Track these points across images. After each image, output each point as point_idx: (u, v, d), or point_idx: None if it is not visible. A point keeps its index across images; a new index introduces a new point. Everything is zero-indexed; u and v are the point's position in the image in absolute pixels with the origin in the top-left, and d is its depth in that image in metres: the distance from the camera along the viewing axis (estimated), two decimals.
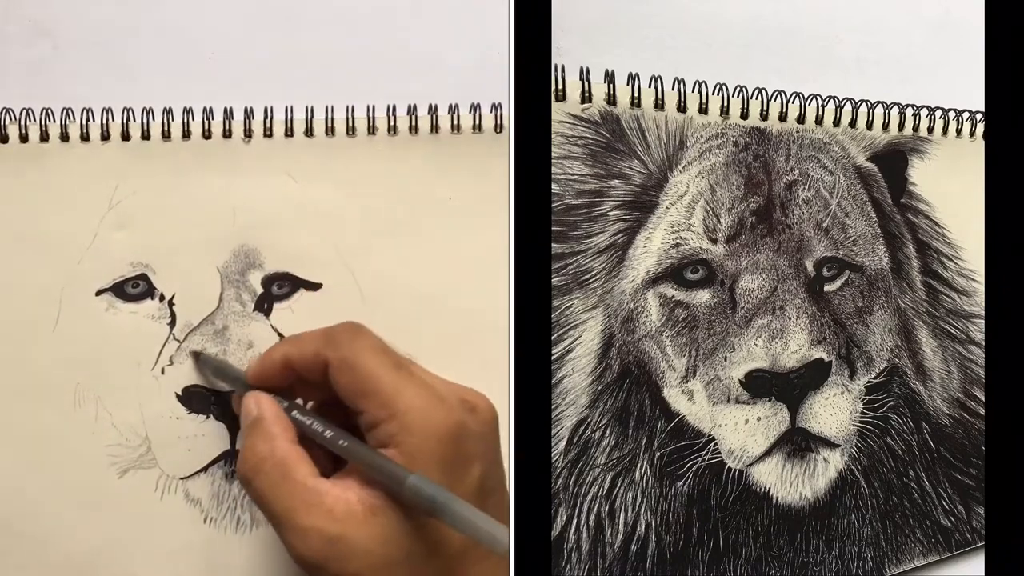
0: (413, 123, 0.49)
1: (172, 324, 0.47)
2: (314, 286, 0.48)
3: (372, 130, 0.49)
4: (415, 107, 0.49)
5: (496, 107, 0.49)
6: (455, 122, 0.49)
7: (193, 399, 0.47)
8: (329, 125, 0.48)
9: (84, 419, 0.46)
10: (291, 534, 0.38)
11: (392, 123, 0.49)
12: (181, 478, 0.47)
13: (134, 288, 0.47)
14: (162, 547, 0.46)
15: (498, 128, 0.49)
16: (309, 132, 0.48)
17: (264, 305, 0.47)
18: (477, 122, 0.49)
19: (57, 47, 0.48)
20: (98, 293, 0.47)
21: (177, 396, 0.47)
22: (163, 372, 0.47)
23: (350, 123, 0.48)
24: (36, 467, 0.46)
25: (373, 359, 0.39)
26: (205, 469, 0.47)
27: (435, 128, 0.49)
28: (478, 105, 0.49)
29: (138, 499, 0.46)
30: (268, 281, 0.48)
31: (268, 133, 0.48)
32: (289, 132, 0.48)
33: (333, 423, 0.40)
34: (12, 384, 0.46)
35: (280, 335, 0.47)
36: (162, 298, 0.47)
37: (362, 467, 0.38)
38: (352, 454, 0.39)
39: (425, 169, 0.49)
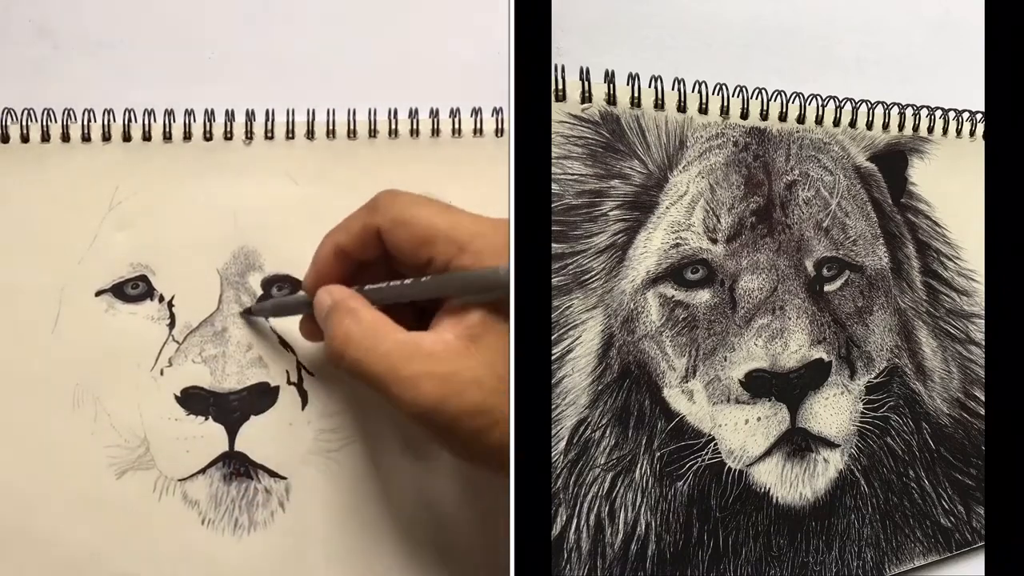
0: (414, 126, 0.49)
1: (171, 325, 0.47)
2: None
3: (373, 133, 0.49)
4: (416, 110, 0.49)
5: (497, 111, 0.49)
6: (456, 126, 0.49)
7: (192, 400, 0.47)
8: (330, 128, 0.48)
9: (83, 420, 0.46)
10: (400, 387, 0.38)
11: (393, 126, 0.49)
12: (179, 479, 0.47)
13: (134, 289, 0.47)
14: (160, 548, 0.46)
15: (499, 132, 0.49)
16: (310, 135, 0.48)
17: None
18: (478, 126, 0.49)
19: (58, 47, 0.48)
20: (98, 294, 0.47)
21: (176, 397, 0.47)
22: (162, 373, 0.47)
23: (351, 126, 0.49)
24: (34, 467, 0.46)
25: (423, 208, 0.41)
26: (203, 471, 0.47)
27: (436, 132, 0.49)
28: (479, 109, 0.49)
29: (136, 500, 0.46)
30: (268, 283, 0.48)
31: (269, 135, 0.48)
32: (290, 134, 0.48)
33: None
34: (11, 384, 0.46)
35: (279, 337, 0.47)
36: (162, 299, 0.47)
37: (455, 292, 0.39)
38: (439, 286, 0.40)
39: (425, 173, 0.49)
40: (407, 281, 0.41)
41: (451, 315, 0.39)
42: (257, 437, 0.47)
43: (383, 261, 0.42)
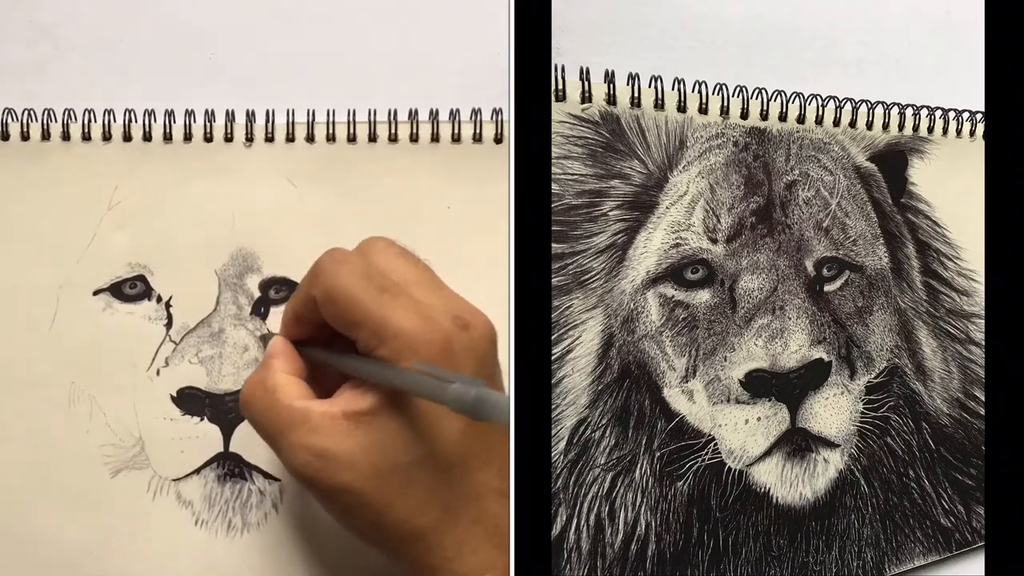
0: (414, 131, 0.49)
1: (168, 326, 0.47)
2: None
3: (373, 137, 0.49)
4: (416, 111, 0.49)
5: (497, 112, 0.49)
6: (455, 131, 0.49)
7: (187, 401, 0.47)
8: (330, 132, 0.48)
9: (78, 418, 0.46)
10: (282, 452, 0.39)
11: (393, 131, 0.49)
12: (173, 479, 0.47)
13: (132, 289, 0.47)
14: (153, 548, 0.46)
15: (498, 138, 0.49)
16: (310, 138, 0.48)
17: (261, 309, 0.47)
18: (477, 131, 0.49)
19: (58, 48, 0.48)
20: (96, 293, 0.47)
21: (171, 397, 0.47)
22: (158, 373, 0.47)
23: (351, 129, 0.49)
24: (29, 465, 0.46)
25: (356, 286, 0.39)
26: (198, 471, 0.47)
27: (436, 137, 0.49)
28: (479, 111, 0.49)
29: (130, 499, 0.46)
30: (265, 285, 0.48)
31: (269, 138, 0.48)
32: (290, 137, 0.48)
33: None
34: (7, 381, 0.46)
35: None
36: (159, 299, 0.47)
37: (380, 380, 0.39)
38: (361, 370, 0.39)
39: (425, 178, 0.49)
40: (345, 360, 0.40)
41: (351, 390, 0.39)
42: (252, 438, 0.47)
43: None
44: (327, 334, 0.42)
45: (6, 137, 0.47)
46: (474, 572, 0.39)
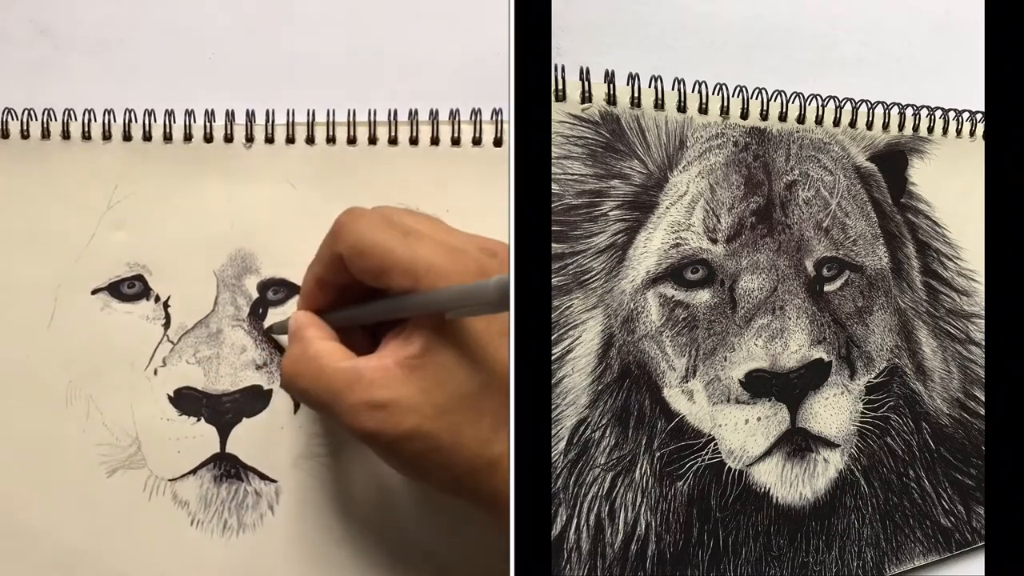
0: (414, 133, 0.49)
1: (166, 326, 0.47)
2: None
3: (373, 139, 0.49)
4: (416, 112, 0.49)
5: (496, 113, 0.49)
6: (455, 133, 0.49)
7: (184, 401, 0.47)
8: (330, 134, 0.48)
9: (75, 417, 0.46)
10: (343, 415, 0.39)
11: (393, 133, 0.49)
12: (170, 480, 0.47)
13: (130, 288, 0.47)
14: (148, 548, 0.46)
15: (497, 141, 0.49)
16: (310, 140, 0.48)
17: (259, 310, 0.47)
18: (477, 134, 0.49)
19: (58, 48, 0.48)
20: (94, 292, 0.47)
21: (169, 398, 0.47)
22: (156, 373, 0.47)
23: (351, 131, 0.49)
24: (25, 463, 0.46)
25: (379, 235, 0.40)
26: (194, 471, 0.47)
27: (435, 139, 0.49)
28: (479, 111, 0.49)
29: (126, 499, 0.46)
30: (264, 286, 0.48)
31: (269, 139, 0.48)
32: (291, 138, 0.48)
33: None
34: (4, 380, 0.46)
35: (274, 340, 0.47)
36: (157, 299, 0.47)
37: (416, 311, 0.39)
38: (394, 309, 0.40)
39: (424, 181, 0.49)
40: (369, 304, 0.41)
41: (395, 339, 0.39)
42: (249, 439, 0.47)
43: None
44: (346, 300, 0.42)
45: (6, 135, 0.47)
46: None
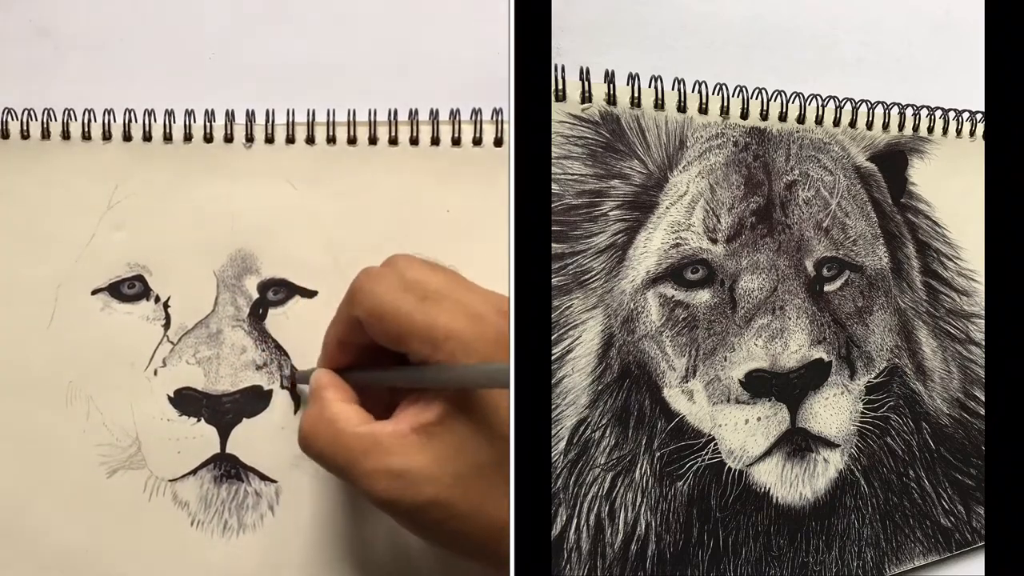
0: (414, 133, 0.49)
1: (166, 326, 0.47)
2: (310, 293, 0.48)
3: (373, 140, 0.49)
4: (416, 111, 0.49)
5: (497, 113, 0.49)
6: (455, 133, 0.49)
7: (184, 401, 0.47)
8: (331, 134, 0.48)
9: (75, 417, 0.46)
10: (359, 482, 0.39)
11: (393, 133, 0.49)
12: (170, 480, 0.47)
13: (130, 289, 0.47)
14: (148, 548, 0.46)
15: (498, 141, 0.49)
16: (310, 139, 0.48)
17: (259, 310, 0.47)
18: (477, 133, 0.49)
19: (58, 48, 0.48)
20: (94, 292, 0.47)
21: (169, 398, 0.47)
22: (156, 374, 0.47)
23: (351, 131, 0.49)
24: (25, 464, 0.46)
25: (397, 300, 0.39)
26: (194, 472, 0.47)
27: (435, 140, 0.49)
28: (479, 111, 0.49)
29: (126, 499, 0.46)
30: (264, 287, 0.48)
31: (269, 139, 0.48)
32: (291, 138, 0.48)
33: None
34: (5, 380, 0.46)
35: (275, 341, 0.47)
36: (157, 300, 0.47)
37: (440, 384, 0.39)
38: (414, 379, 0.39)
39: (424, 181, 0.49)
40: (389, 370, 0.41)
41: (413, 405, 0.39)
42: (249, 440, 0.47)
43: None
44: (369, 357, 0.42)
45: (6, 136, 0.47)
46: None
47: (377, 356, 0.41)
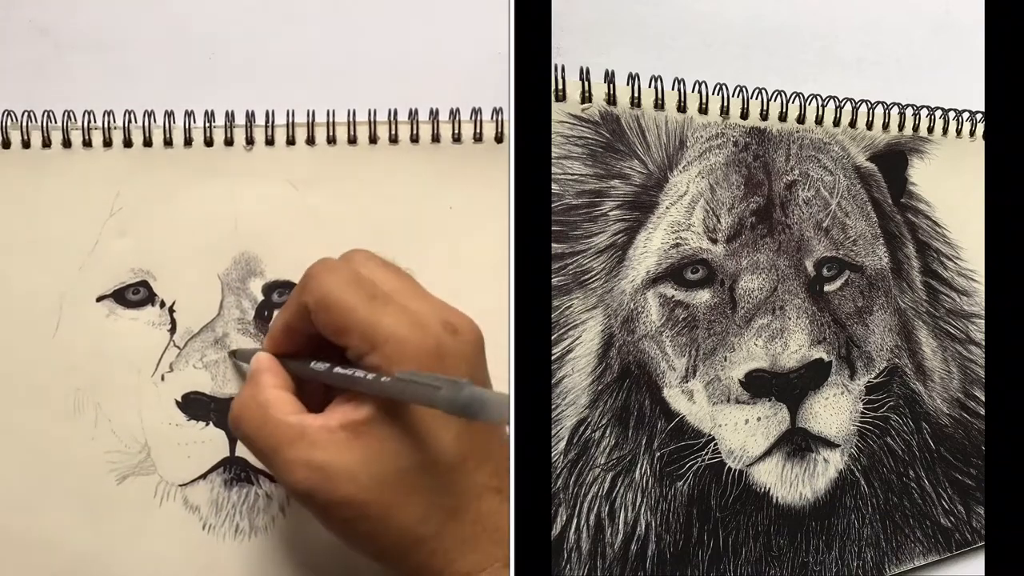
0: (414, 132, 0.49)
1: (172, 331, 0.47)
2: None
3: (373, 139, 0.49)
4: (416, 111, 0.49)
5: (497, 112, 0.49)
6: (456, 131, 0.49)
7: (193, 406, 0.47)
8: (331, 135, 0.48)
9: (83, 425, 0.46)
10: (278, 469, 0.39)
11: (393, 132, 0.49)
12: (180, 485, 0.47)
13: (135, 294, 0.47)
14: (160, 554, 0.46)
15: (499, 137, 0.49)
16: (311, 141, 0.48)
17: (264, 313, 0.47)
18: (478, 131, 0.49)
19: (58, 48, 0.48)
20: (99, 299, 0.47)
21: (177, 403, 0.47)
22: (163, 379, 0.47)
23: (352, 131, 0.48)
24: (35, 472, 0.46)
25: (346, 293, 0.39)
26: (204, 476, 0.47)
27: (436, 137, 0.49)
28: (479, 110, 0.49)
29: (137, 505, 0.46)
30: (269, 289, 0.48)
31: (270, 141, 0.48)
32: (291, 140, 0.48)
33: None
34: (12, 390, 0.46)
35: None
36: (163, 305, 0.47)
37: (369, 391, 0.39)
38: (348, 382, 0.39)
39: (426, 179, 0.49)
40: (336, 370, 0.40)
41: (346, 403, 0.39)
42: None
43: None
44: (312, 347, 0.42)
45: (7, 146, 0.46)
46: (477, 569, 0.39)
47: (321, 347, 0.42)
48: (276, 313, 0.43)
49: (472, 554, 0.39)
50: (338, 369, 0.40)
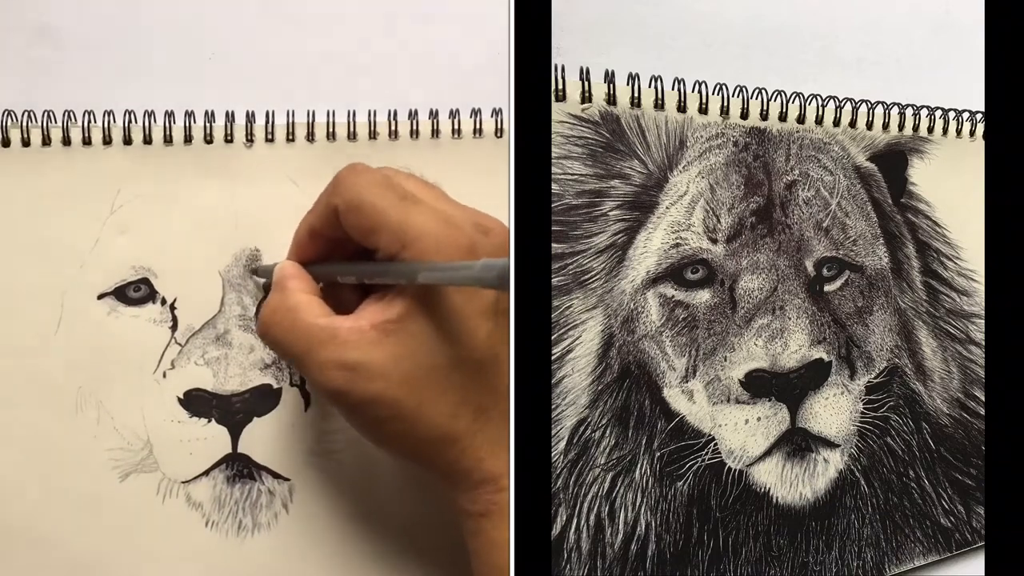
0: (414, 128, 0.49)
1: (174, 328, 0.47)
2: None
3: (373, 135, 0.49)
4: (416, 111, 0.49)
5: (497, 112, 0.49)
6: (456, 127, 0.49)
7: (195, 403, 0.47)
8: (330, 130, 0.48)
9: (86, 423, 0.46)
10: (311, 371, 0.39)
11: (393, 128, 0.49)
12: (182, 482, 0.47)
13: (136, 292, 0.47)
14: (163, 551, 0.46)
15: (499, 133, 0.49)
16: (310, 137, 0.48)
17: None
18: (478, 127, 0.49)
19: (58, 48, 0.48)
20: (100, 297, 0.47)
21: (179, 400, 0.47)
22: (165, 376, 0.47)
23: (351, 128, 0.49)
24: (38, 471, 0.46)
25: (376, 194, 0.40)
26: (207, 473, 0.47)
27: (436, 133, 0.49)
28: (479, 110, 0.49)
29: (139, 503, 0.46)
30: (269, 286, 0.48)
31: (270, 138, 0.48)
32: (291, 137, 0.48)
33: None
34: (13, 387, 0.46)
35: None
36: (164, 302, 0.47)
37: (397, 279, 0.39)
38: (375, 273, 0.40)
39: (427, 173, 0.49)
40: (353, 264, 0.41)
41: (376, 302, 0.39)
42: (260, 439, 0.47)
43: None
44: (338, 252, 0.42)
45: (7, 144, 0.46)
46: (508, 469, 0.39)
47: (345, 252, 0.42)
48: (300, 221, 0.43)
49: (504, 453, 0.39)
50: (369, 263, 0.40)
